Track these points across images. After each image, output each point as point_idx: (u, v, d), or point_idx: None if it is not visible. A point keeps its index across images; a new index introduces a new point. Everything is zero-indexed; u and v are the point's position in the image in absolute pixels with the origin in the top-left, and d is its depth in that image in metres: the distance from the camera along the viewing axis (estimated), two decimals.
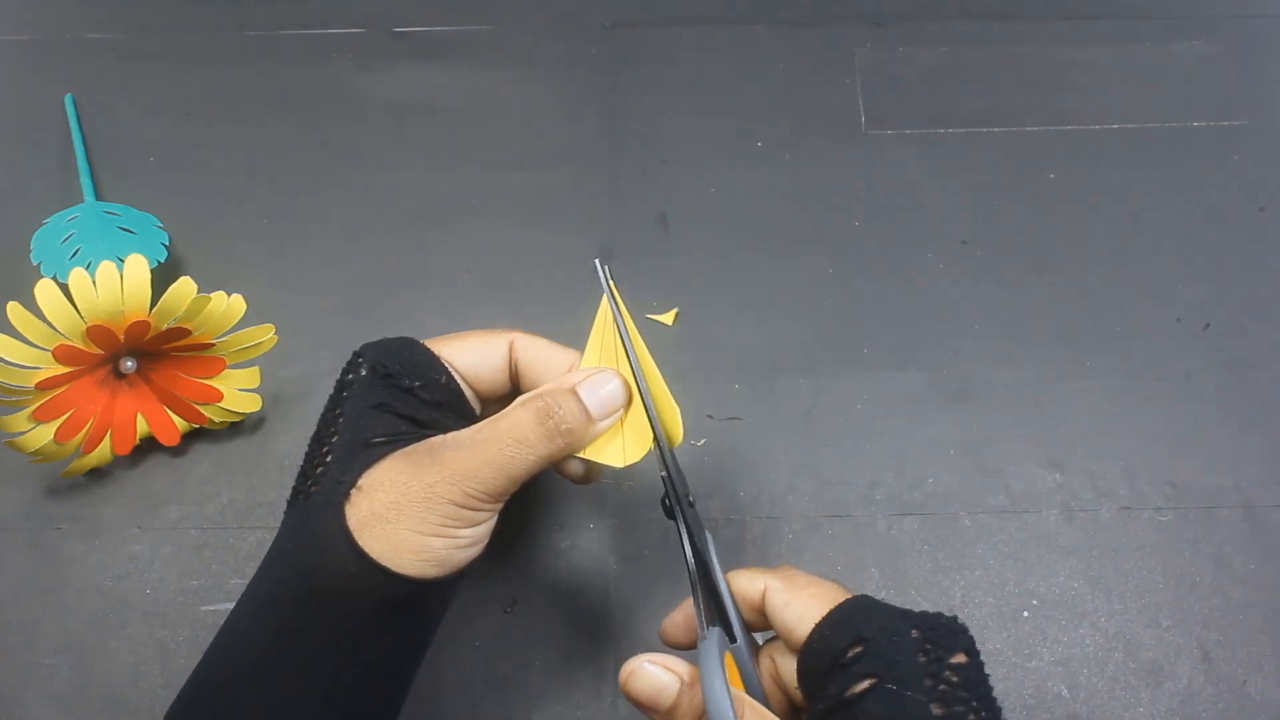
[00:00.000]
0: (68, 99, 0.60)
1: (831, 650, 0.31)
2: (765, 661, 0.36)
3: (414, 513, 0.33)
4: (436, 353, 0.37)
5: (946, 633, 0.31)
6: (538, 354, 0.38)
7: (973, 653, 0.31)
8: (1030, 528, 0.48)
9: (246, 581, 0.46)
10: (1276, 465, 0.49)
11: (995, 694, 0.31)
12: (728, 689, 0.30)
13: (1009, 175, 0.58)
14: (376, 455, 0.34)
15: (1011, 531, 0.47)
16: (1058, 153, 0.58)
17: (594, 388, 0.35)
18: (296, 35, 0.63)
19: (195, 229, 0.56)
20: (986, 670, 0.31)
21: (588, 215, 0.56)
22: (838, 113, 0.60)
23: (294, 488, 0.36)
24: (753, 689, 0.35)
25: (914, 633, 0.31)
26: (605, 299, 0.37)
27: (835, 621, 0.32)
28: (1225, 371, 0.51)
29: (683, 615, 0.37)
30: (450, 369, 0.37)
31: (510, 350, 0.38)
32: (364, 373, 0.36)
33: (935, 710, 0.29)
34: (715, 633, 0.33)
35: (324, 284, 0.54)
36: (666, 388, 0.37)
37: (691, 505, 0.36)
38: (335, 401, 0.37)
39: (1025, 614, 0.46)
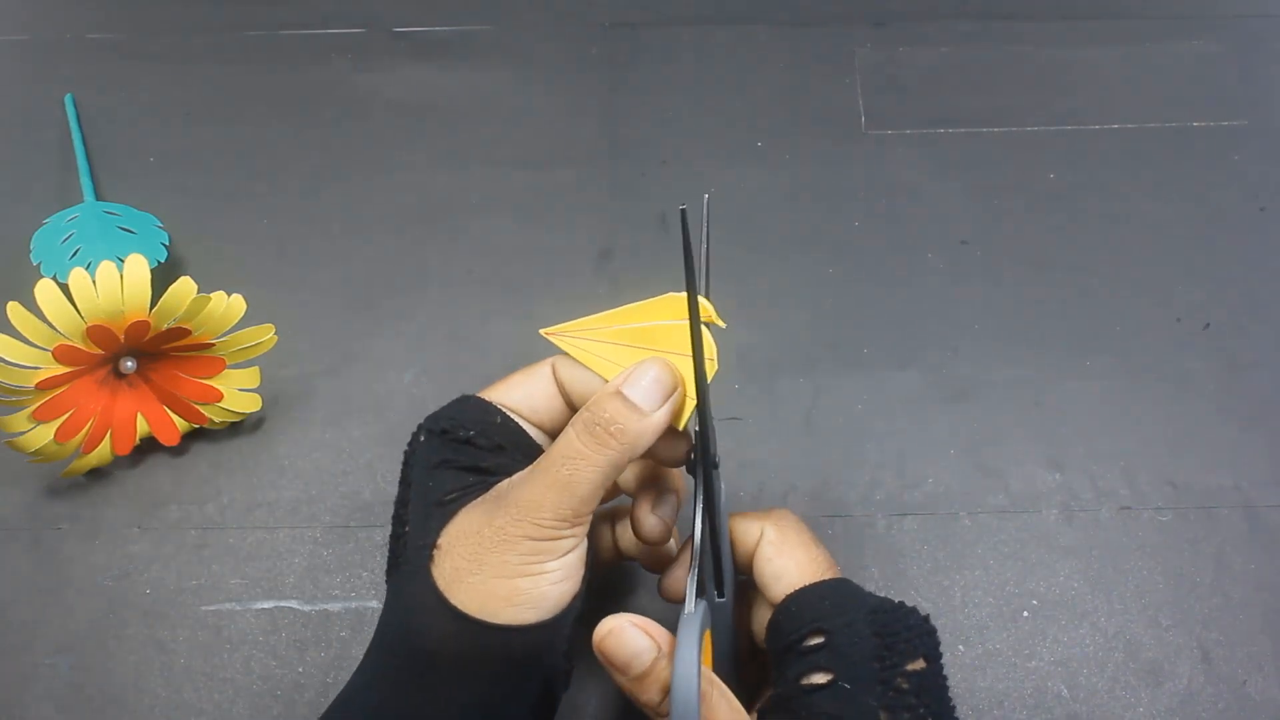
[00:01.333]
0: (68, 99, 0.60)
1: (794, 633, 0.33)
2: (741, 604, 0.37)
3: (494, 559, 0.32)
4: (486, 399, 0.37)
5: (907, 638, 0.32)
6: (578, 371, 0.37)
7: (932, 657, 0.33)
8: (1030, 528, 0.48)
9: (247, 581, 0.46)
10: (1276, 465, 0.49)
11: (950, 697, 0.33)
12: (699, 673, 0.30)
13: (1009, 175, 0.58)
14: (450, 512, 0.34)
15: (1011, 531, 0.47)
16: (1058, 153, 0.58)
17: (634, 381, 0.34)
18: (296, 35, 0.63)
19: (195, 229, 0.56)
20: (945, 674, 0.33)
21: (588, 215, 0.56)
22: (838, 113, 0.60)
23: (386, 566, 0.36)
24: (721, 650, 0.36)
25: (874, 639, 0.32)
26: (701, 238, 0.34)
27: (804, 603, 0.34)
28: (1225, 371, 0.51)
29: (683, 569, 0.37)
30: (504, 410, 0.37)
31: (554, 374, 0.37)
32: (422, 439, 0.36)
33: (883, 716, 0.31)
34: (701, 607, 0.33)
35: (324, 284, 0.54)
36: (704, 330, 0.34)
37: (716, 466, 0.35)
38: (403, 474, 0.37)
39: (1025, 614, 0.46)
